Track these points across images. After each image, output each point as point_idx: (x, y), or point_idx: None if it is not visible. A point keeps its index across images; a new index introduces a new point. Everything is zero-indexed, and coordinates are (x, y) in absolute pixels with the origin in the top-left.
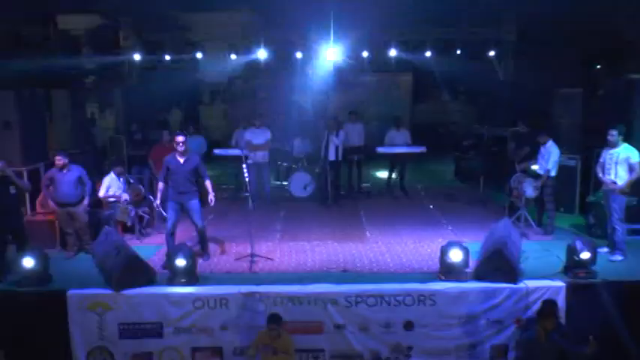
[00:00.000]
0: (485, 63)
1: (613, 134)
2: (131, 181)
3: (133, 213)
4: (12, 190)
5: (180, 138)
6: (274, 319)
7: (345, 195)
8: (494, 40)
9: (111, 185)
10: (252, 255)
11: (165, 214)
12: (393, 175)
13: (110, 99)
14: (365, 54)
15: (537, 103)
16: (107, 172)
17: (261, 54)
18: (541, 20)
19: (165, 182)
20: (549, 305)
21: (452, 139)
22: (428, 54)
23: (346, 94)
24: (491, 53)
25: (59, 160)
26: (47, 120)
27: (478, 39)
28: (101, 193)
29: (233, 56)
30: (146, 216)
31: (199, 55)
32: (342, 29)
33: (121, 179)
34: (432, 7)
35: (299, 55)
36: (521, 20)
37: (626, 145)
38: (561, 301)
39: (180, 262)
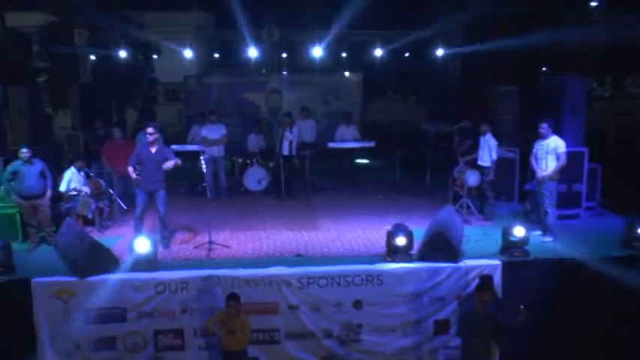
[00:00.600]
0: (433, 63)
1: (543, 127)
2: (91, 174)
3: (93, 206)
4: None
5: (151, 129)
6: (233, 297)
7: (298, 188)
8: (441, 42)
9: (72, 179)
10: (210, 243)
11: (125, 206)
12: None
13: (64, 97)
14: (317, 53)
15: (481, 100)
16: (67, 167)
17: (214, 53)
18: (484, 21)
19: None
20: (486, 279)
21: (402, 136)
22: (378, 53)
23: (298, 93)
24: (439, 53)
25: (25, 153)
26: (4, 115)
27: (426, 40)
28: (62, 187)
29: (188, 53)
30: (106, 209)
31: (154, 55)
32: (294, 29)
33: (82, 173)
34: (381, 9)
35: (252, 53)
36: (466, 22)
37: (555, 137)
38: (497, 278)
39: (142, 245)
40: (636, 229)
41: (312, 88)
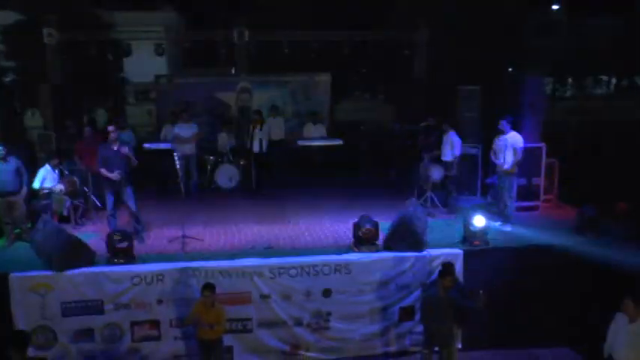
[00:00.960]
0: (400, 64)
1: (502, 123)
2: (66, 172)
3: (68, 203)
4: None
5: (111, 128)
6: (208, 287)
7: (268, 184)
8: (408, 42)
9: (46, 177)
10: (184, 236)
11: (99, 204)
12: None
13: (34, 97)
14: (285, 53)
15: (445, 99)
16: (42, 165)
17: (184, 53)
18: (451, 23)
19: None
20: (447, 266)
21: (369, 135)
22: (345, 54)
23: (268, 92)
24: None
25: (1, 150)
26: None
27: (393, 41)
28: (36, 185)
29: (158, 52)
30: (82, 206)
31: (127, 55)
32: (264, 30)
33: (56, 171)
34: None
35: (222, 54)
36: (433, 23)
37: (513, 132)
38: (459, 265)
39: (118, 239)
40: (588, 216)
41: (282, 88)
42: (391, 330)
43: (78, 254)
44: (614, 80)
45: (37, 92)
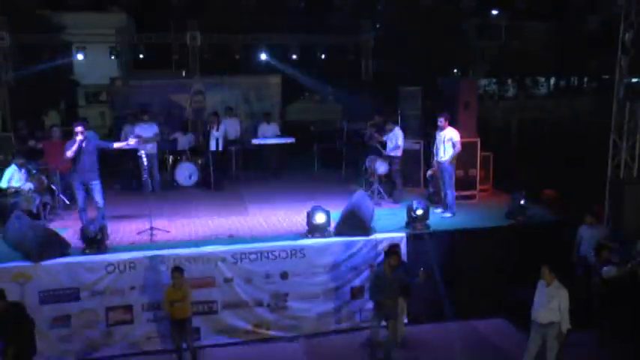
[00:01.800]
0: (347, 66)
1: (440, 120)
2: (34, 171)
3: (37, 201)
4: None
5: (79, 128)
6: (177, 270)
7: (226, 181)
8: (354, 45)
9: (13, 176)
10: (152, 229)
11: (67, 201)
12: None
13: None
14: (236, 56)
15: (390, 99)
16: (8, 165)
17: (136, 55)
18: (395, 28)
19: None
20: (393, 246)
21: (319, 133)
22: (294, 57)
23: (220, 94)
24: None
25: None
26: None
27: (340, 44)
28: (3, 184)
29: (116, 56)
30: (49, 203)
31: (79, 57)
32: (216, 33)
33: (23, 170)
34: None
35: (175, 57)
36: (378, 28)
37: (450, 128)
38: (403, 247)
39: (90, 232)
40: (518, 202)
41: (234, 90)
42: (343, 308)
43: (54, 245)
44: (552, 80)
45: None
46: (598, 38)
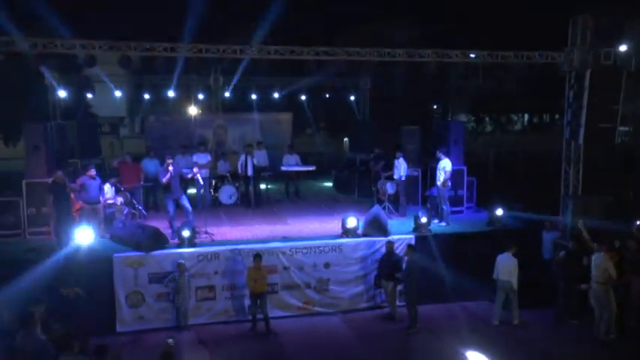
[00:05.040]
0: (347, 105)
1: (438, 153)
2: (122, 189)
3: (126, 210)
4: None
5: (170, 160)
6: (258, 255)
7: (262, 200)
8: (353, 88)
9: (107, 192)
10: (206, 232)
11: (145, 212)
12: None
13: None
14: (253, 96)
15: (385, 134)
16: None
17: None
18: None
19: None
20: (410, 244)
21: (326, 164)
22: (302, 98)
23: (240, 129)
24: (352, 98)
25: (93, 171)
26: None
27: (341, 86)
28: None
29: (117, 93)
30: (133, 212)
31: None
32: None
33: (114, 188)
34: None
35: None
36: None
37: (445, 159)
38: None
39: (186, 233)
40: (495, 213)
41: (251, 125)
42: (369, 291)
43: (159, 240)
44: (526, 117)
45: None
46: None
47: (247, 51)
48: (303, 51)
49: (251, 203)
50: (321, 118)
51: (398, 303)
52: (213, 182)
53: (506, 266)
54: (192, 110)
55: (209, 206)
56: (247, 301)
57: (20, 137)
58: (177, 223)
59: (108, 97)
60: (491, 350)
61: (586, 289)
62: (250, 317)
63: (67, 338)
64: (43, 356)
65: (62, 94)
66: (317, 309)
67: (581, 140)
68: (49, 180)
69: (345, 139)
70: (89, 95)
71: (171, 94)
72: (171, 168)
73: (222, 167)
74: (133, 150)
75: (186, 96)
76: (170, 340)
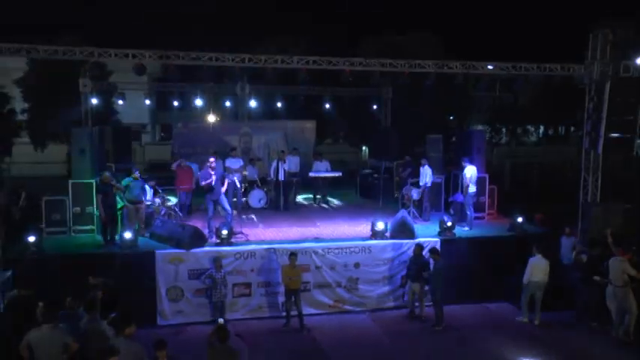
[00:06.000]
0: (369, 114)
1: (465, 160)
2: (160, 190)
3: (163, 211)
4: None
5: (213, 163)
6: (294, 254)
7: (291, 204)
8: (376, 98)
9: (147, 192)
10: (242, 233)
11: (180, 213)
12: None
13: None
14: (279, 104)
15: (413, 144)
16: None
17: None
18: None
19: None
20: (434, 248)
21: (349, 172)
22: (327, 106)
23: (265, 136)
24: (374, 107)
25: (136, 172)
26: None
27: (364, 96)
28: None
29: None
30: (170, 212)
31: (119, 101)
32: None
33: (152, 190)
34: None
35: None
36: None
37: (471, 166)
38: (438, 248)
39: (224, 232)
40: (516, 220)
41: (275, 132)
42: (396, 290)
43: (198, 239)
44: (541, 129)
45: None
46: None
47: (288, 61)
48: (339, 61)
49: (280, 207)
50: (342, 128)
51: (425, 303)
52: (243, 187)
53: (540, 267)
54: (211, 118)
55: (240, 209)
56: (281, 298)
57: (46, 143)
58: (214, 224)
59: (130, 104)
60: (515, 349)
61: (601, 282)
62: (284, 313)
63: (121, 322)
64: (104, 338)
65: (94, 100)
66: (347, 307)
67: (600, 150)
68: (94, 181)
69: (364, 147)
70: (120, 102)
71: (198, 102)
72: (212, 171)
73: (250, 172)
74: (154, 156)
75: (213, 104)
76: (221, 320)
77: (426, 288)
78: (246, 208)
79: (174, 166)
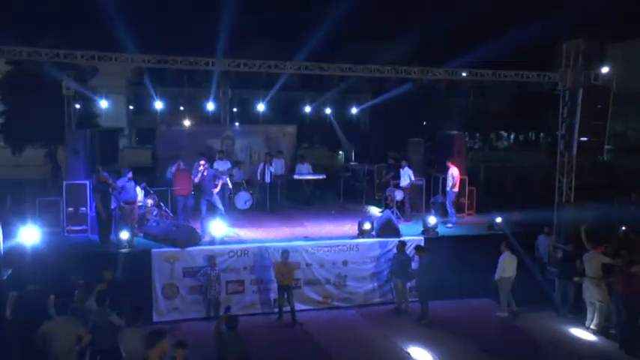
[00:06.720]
0: (350, 119)
1: (447, 163)
2: (151, 192)
3: (155, 212)
4: None
5: (202, 161)
6: (286, 251)
7: (277, 205)
8: (355, 102)
9: (137, 193)
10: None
11: (171, 214)
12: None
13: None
14: (260, 107)
15: (394, 146)
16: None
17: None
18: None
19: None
20: (419, 245)
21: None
22: (307, 109)
23: (247, 139)
24: (353, 111)
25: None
26: None
27: (344, 100)
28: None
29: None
30: (161, 213)
31: (103, 104)
32: (242, 89)
33: (143, 191)
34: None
35: (210, 106)
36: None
37: (453, 167)
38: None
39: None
40: (494, 220)
41: (257, 136)
42: (383, 287)
43: (193, 237)
44: (512, 135)
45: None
46: (554, 97)
47: (281, 66)
48: (330, 67)
49: (267, 208)
50: (319, 131)
51: (410, 299)
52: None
53: (510, 263)
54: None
55: (225, 209)
56: (273, 295)
57: (24, 147)
58: (206, 224)
59: (108, 107)
60: (496, 339)
61: (580, 282)
62: (277, 309)
63: (133, 314)
64: (114, 329)
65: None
66: (335, 303)
67: (574, 153)
68: (86, 182)
69: (340, 152)
70: (104, 105)
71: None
72: (201, 169)
73: (236, 175)
74: (132, 160)
75: (193, 107)
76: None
77: (409, 285)
78: (233, 210)
79: (172, 170)
